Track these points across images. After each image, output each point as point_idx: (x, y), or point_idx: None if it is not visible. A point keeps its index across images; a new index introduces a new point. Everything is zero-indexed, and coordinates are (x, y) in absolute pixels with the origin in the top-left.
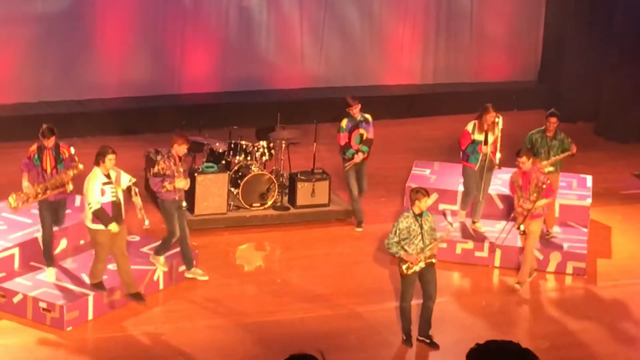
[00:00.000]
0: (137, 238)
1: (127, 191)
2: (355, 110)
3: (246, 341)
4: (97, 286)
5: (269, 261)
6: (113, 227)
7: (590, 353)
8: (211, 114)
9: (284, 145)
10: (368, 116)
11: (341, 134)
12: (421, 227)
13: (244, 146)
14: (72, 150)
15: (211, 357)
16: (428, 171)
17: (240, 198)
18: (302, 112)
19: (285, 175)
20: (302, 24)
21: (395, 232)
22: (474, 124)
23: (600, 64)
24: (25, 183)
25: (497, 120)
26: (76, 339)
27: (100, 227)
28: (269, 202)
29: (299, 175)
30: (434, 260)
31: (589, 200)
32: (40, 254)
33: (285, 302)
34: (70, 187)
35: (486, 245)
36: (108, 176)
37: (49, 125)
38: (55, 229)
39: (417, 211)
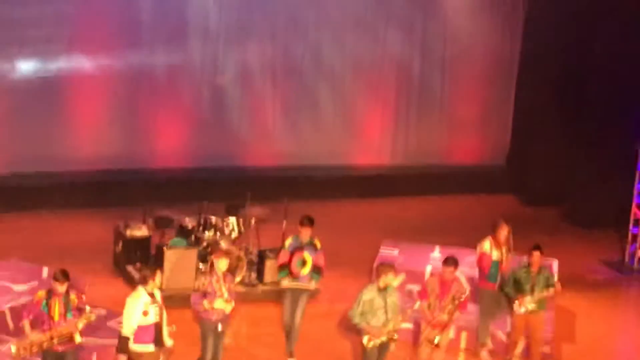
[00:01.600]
0: (104, 312)
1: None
2: (305, 233)
3: None
4: None
5: (235, 337)
6: (149, 348)
7: None
8: (182, 188)
9: (253, 222)
10: (317, 242)
11: (282, 252)
12: (385, 301)
13: (214, 222)
14: (84, 298)
15: None
16: (396, 251)
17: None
18: (272, 190)
19: (254, 252)
20: (274, 103)
21: (359, 303)
22: (490, 243)
23: (567, 150)
24: (28, 330)
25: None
26: None
27: (144, 348)
28: (238, 278)
29: (267, 252)
30: (395, 336)
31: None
32: None
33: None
34: (78, 338)
35: None
36: (152, 295)
37: (63, 269)
38: None
39: (382, 285)
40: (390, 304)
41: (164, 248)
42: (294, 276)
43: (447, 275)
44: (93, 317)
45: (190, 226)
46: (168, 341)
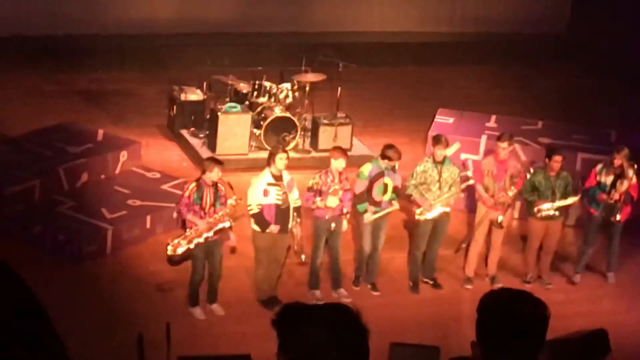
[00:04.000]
0: (158, 175)
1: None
2: (391, 159)
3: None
4: (266, 303)
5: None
6: (273, 228)
7: None
8: (237, 53)
9: (307, 89)
10: (396, 164)
11: (359, 181)
12: (440, 174)
13: (268, 88)
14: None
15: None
16: (451, 120)
17: (263, 139)
18: (328, 56)
19: (308, 118)
20: None
21: (413, 175)
22: (603, 164)
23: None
24: (198, 222)
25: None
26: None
27: (259, 228)
28: (291, 145)
29: (322, 119)
30: (447, 210)
31: None
32: None
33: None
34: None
35: None
36: (278, 177)
37: (212, 157)
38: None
39: (438, 157)
40: (447, 178)
41: (218, 113)
42: (375, 205)
43: (502, 153)
44: (233, 204)
45: (244, 91)
46: (302, 256)
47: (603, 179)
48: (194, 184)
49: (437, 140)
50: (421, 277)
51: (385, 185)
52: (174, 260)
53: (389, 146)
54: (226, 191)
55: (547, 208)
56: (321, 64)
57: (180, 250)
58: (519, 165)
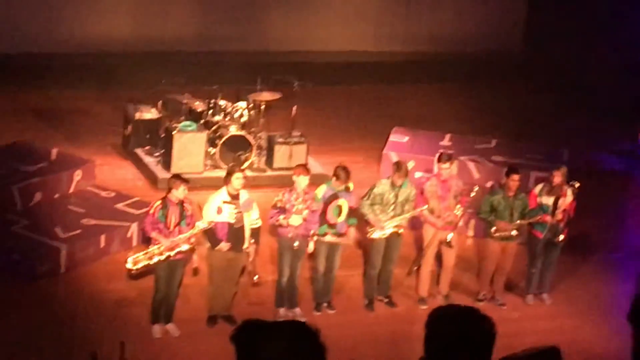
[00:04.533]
0: (112, 194)
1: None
2: (339, 183)
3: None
4: (212, 320)
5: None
6: (223, 246)
7: None
8: (192, 72)
9: (263, 107)
10: (350, 185)
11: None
12: (397, 197)
13: (224, 106)
14: (195, 207)
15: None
16: (406, 138)
17: (218, 158)
18: (282, 75)
19: (263, 137)
20: None
21: (370, 195)
22: (542, 185)
23: (582, 37)
24: (162, 239)
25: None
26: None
27: (210, 245)
28: (246, 164)
29: (277, 138)
30: (401, 230)
31: None
32: None
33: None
34: (186, 247)
35: None
36: (234, 196)
37: (177, 175)
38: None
39: (396, 183)
40: (402, 200)
41: (173, 131)
42: (331, 227)
43: (444, 174)
44: (203, 227)
45: (200, 110)
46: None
47: (544, 201)
48: (159, 202)
49: (398, 167)
50: (376, 295)
51: (340, 207)
52: (132, 275)
53: (340, 167)
54: (194, 212)
55: (506, 228)
56: (277, 83)
57: (140, 265)
58: (460, 182)
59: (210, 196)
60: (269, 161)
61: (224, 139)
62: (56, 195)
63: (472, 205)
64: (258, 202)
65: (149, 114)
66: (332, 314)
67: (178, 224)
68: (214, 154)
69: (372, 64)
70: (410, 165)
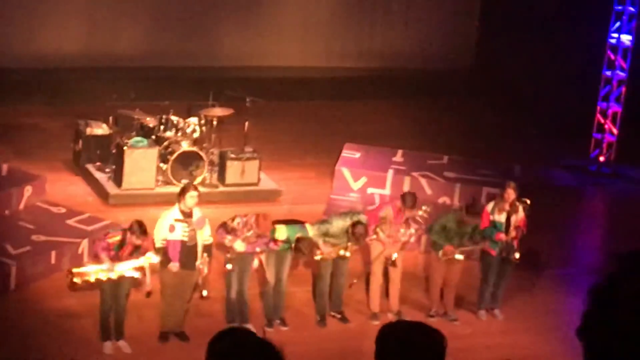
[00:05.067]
0: (63, 210)
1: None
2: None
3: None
4: (162, 336)
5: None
6: (172, 266)
7: None
8: (144, 87)
9: (215, 123)
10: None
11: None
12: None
13: (175, 122)
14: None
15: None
16: (358, 154)
17: (169, 174)
18: (234, 90)
19: (215, 152)
20: None
21: (319, 228)
22: (494, 202)
23: (534, 54)
24: (107, 261)
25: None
26: None
27: (161, 263)
28: (198, 179)
29: (229, 154)
30: (348, 254)
31: None
32: None
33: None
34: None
35: None
36: (187, 214)
37: (141, 222)
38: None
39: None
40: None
41: (124, 147)
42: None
43: (406, 213)
44: (153, 261)
45: (151, 125)
46: (204, 291)
47: (497, 218)
48: (118, 238)
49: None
50: (329, 311)
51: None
52: (75, 287)
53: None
54: (147, 245)
55: (453, 252)
56: (229, 99)
57: (81, 279)
58: (414, 210)
59: (162, 213)
60: (221, 177)
61: (175, 155)
62: (6, 212)
63: (424, 220)
64: (210, 219)
65: (100, 129)
66: (284, 330)
67: (130, 254)
68: (166, 169)
69: (324, 79)
70: (363, 181)
